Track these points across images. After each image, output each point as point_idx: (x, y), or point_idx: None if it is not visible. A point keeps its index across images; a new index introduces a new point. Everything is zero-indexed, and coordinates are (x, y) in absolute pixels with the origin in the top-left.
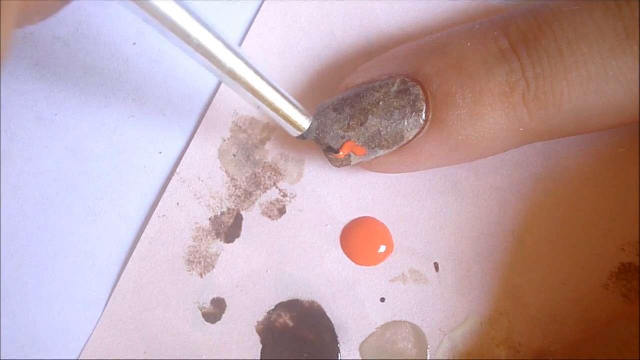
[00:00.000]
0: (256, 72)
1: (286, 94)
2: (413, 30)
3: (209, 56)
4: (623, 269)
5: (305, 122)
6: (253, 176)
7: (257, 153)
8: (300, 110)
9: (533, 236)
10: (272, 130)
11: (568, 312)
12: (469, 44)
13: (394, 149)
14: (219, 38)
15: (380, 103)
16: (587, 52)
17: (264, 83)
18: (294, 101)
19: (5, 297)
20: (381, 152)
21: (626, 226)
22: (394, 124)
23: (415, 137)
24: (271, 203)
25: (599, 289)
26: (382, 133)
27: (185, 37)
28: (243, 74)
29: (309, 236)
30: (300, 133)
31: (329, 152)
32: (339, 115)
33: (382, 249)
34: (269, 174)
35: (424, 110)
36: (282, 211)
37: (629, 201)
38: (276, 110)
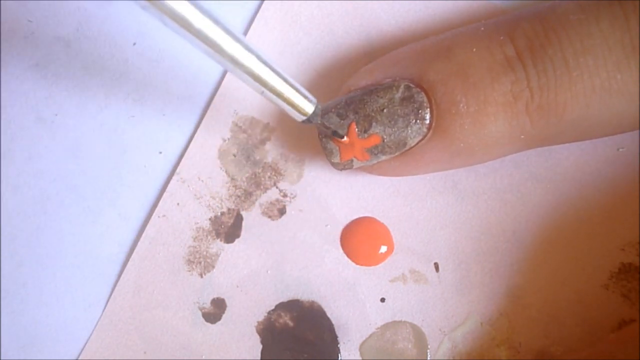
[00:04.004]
0: (258, 56)
1: (289, 78)
2: (413, 30)
3: (209, 42)
4: (623, 269)
5: (309, 106)
6: (253, 176)
7: (257, 153)
8: (303, 94)
9: (533, 236)
10: (272, 130)
11: (568, 312)
12: (474, 49)
13: (396, 154)
14: (219, 23)
15: (384, 110)
16: (593, 65)
17: (266, 67)
18: (297, 85)
19: (5, 297)
20: (383, 157)
21: (626, 226)
22: (398, 132)
23: (417, 143)
24: (271, 203)
25: (599, 289)
26: (385, 140)
27: (185, 24)
28: (243, 58)
29: (309, 236)
30: (304, 117)
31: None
32: (342, 121)
33: (382, 249)
34: (269, 174)
35: (428, 118)
36: (282, 211)
37: (629, 201)
38: (279, 94)
